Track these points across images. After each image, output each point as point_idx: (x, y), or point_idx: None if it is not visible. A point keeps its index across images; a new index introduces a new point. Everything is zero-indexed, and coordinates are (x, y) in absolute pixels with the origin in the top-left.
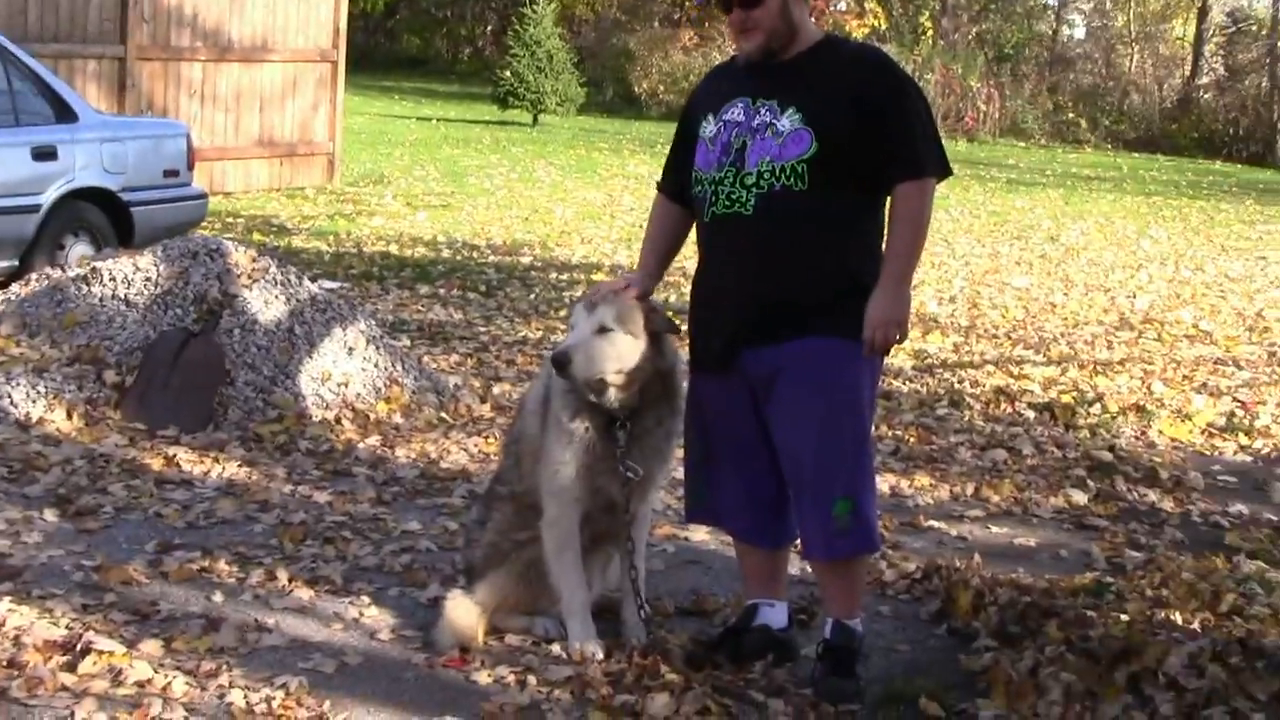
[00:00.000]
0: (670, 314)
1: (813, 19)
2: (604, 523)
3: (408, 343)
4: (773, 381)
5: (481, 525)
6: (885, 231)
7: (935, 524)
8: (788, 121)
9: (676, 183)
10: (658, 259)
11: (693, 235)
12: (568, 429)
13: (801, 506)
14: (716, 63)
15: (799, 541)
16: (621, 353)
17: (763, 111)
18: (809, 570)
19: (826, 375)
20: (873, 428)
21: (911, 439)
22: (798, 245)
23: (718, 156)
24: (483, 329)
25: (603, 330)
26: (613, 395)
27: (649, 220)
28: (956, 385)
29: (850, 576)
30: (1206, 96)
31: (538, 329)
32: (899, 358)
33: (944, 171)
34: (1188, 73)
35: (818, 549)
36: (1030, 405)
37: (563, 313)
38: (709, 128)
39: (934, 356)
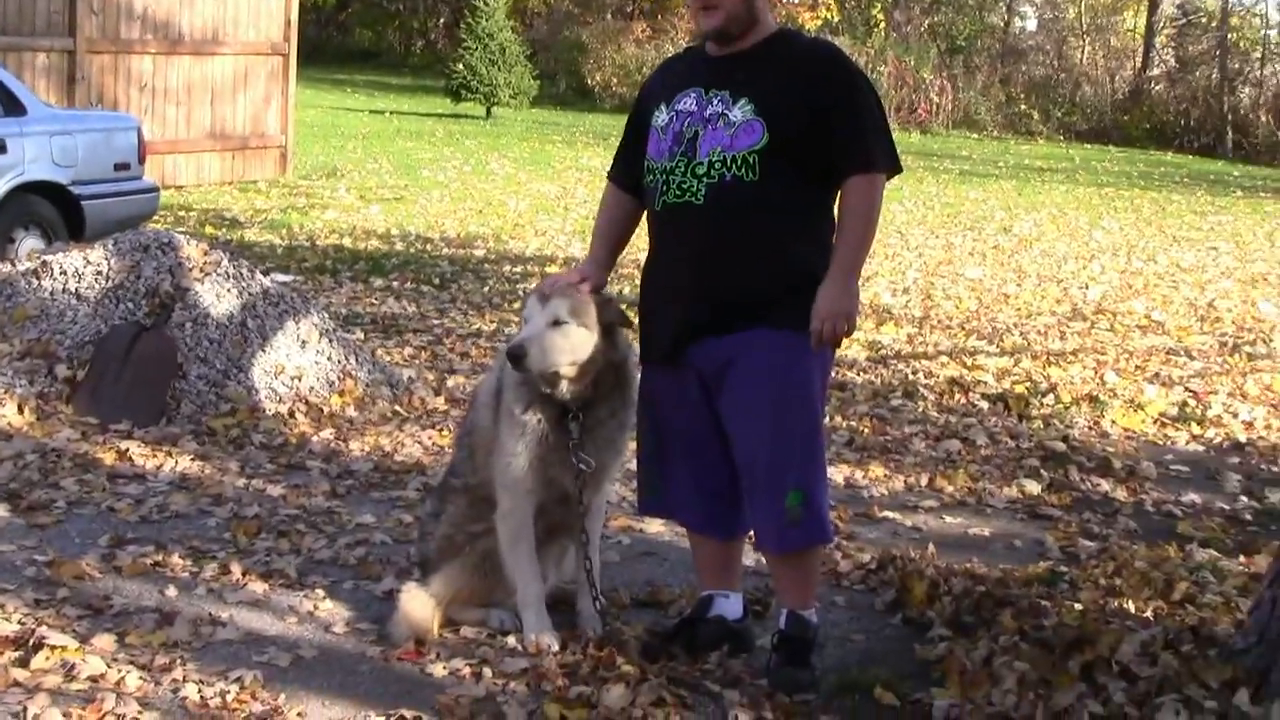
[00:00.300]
0: (623, 306)
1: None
2: (558, 514)
3: (361, 336)
4: (723, 373)
5: (436, 518)
6: (836, 225)
7: (890, 514)
8: (739, 112)
9: (627, 172)
10: (608, 249)
11: (644, 226)
12: (520, 421)
13: (754, 498)
14: (669, 55)
15: (752, 533)
16: (575, 345)
17: (715, 102)
18: (763, 561)
19: (777, 366)
20: (825, 419)
21: (866, 430)
22: (748, 236)
23: (669, 146)
24: (436, 322)
25: (557, 323)
26: (566, 387)
27: (599, 210)
28: (910, 376)
29: (804, 567)
30: (1158, 88)
31: (491, 321)
32: (853, 349)
33: (894, 167)
34: (1139, 64)
35: (770, 540)
36: (984, 396)
37: (516, 305)
38: (661, 117)
39: (888, 348)
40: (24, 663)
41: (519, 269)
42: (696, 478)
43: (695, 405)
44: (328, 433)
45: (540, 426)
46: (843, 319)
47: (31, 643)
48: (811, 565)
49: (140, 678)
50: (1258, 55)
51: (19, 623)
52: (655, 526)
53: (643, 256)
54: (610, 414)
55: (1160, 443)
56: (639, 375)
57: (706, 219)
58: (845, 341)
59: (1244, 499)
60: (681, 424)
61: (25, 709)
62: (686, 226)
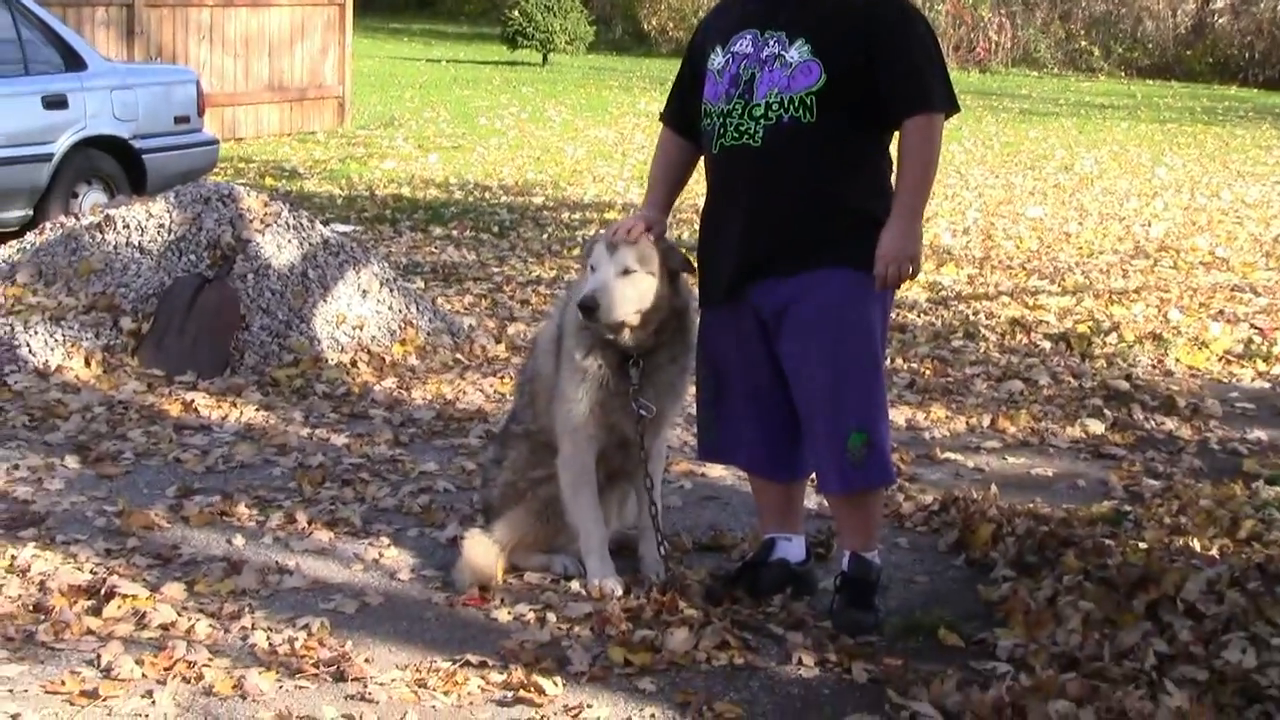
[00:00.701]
0: (684, 251)
1: None
2: (619, 460)
3: (421, 285)
4: (783, 315)
5: (498, 464)
6: (895, 166)
7: (952, 456)
8: (796, 53)
9: (682, 115)
10: (666, 193)
11: (701, 170)
12: (581, 366)
13: (816, 440)
14: None
15: (814, 475)
16: (643, 294)
17: (771, 43)
18: (825, 504)
19: (837, 307)
20: (886, 360)
21: (927, 371)
22: (806, 177)
23: (726, 88)
24: (496, 270)
25: (626, 272)
26: (629, 335)
27: (655, 155)
28: (971, 317)
29: (866, 509)
30: (1221, 21)
31: (551, 268)
32: (912, 290)
33: (952, 107)
34: None
35: (833, 482)
36: (1046, 336)
37: (575, 252)
38: (717, 60)
39: (948, 289)
40: (96, 611)
41: (577, 215)
42: (757, 421)
43: (755, 348)
44: (390, 382)
45: (601, 372)
46: (906, 261)
47: (104, 591)
48: (874, 507)
49: (210, 625)
50: None
51: (91, 572)
52: (717, 471)
53: (701, 201)
54: (670, 359)
55: (1225, 380)
56: (699, 320)
57: (764, 161)
58: (905, 283)
59: None
60: (741, 367)
61: (99, 657)
62: (744, 169)
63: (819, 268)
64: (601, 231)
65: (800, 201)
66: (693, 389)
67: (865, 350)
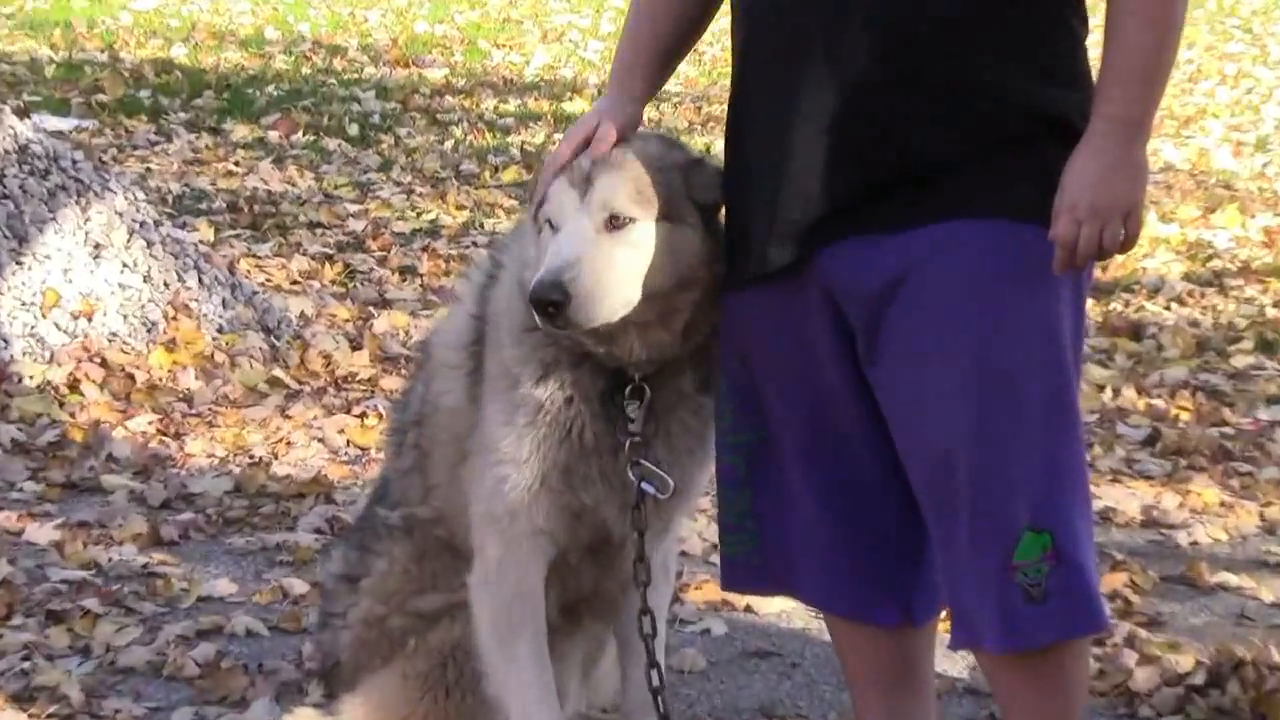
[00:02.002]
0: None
1: None
2: (590, 579)
3: (209, 236)
4: (883, 303)
5: (352, 585)
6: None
7: (1231, 579)
8: None
9: None
10: (651, 68)
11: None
12: (526, 399)
13: (951, 549)
14: None
15: (948, 615)
16: (656, 262)
17: None
18: (978, 668)
19: (988, 292)
20: (1080, 389)
21: (1181, 414)
22: (934, 34)
23: None
24: (354, 208)
25: (616, 223)
26: (635, 342)
27: (630, 4)
28: (1271, 310)
29: (1056, 681)
30: None
31: (460, 207)
32: (1154, 256)
33: None
34: None
35: (989, 631)
36: None
37: (509, 178)
38: None
39: (1224, 254)
40: None
41: (512, 106)
42: (831, 512)
43: (826, 367)
44: (144, 420)
45: (568, 411)
46: (1115, 214)
47: None
48: (1070, 676)
49: None
50: None
51: None
52: (774, 604)
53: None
54: (700, 384)
55: None
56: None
57: (857, 12)
58: (1115, 253)
59: None
60: (799, 403)
61: None
62: (817, 26)
63: (955, 215)
64: (555, 150)
65: (923, 88)
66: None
67: (1042, 375)
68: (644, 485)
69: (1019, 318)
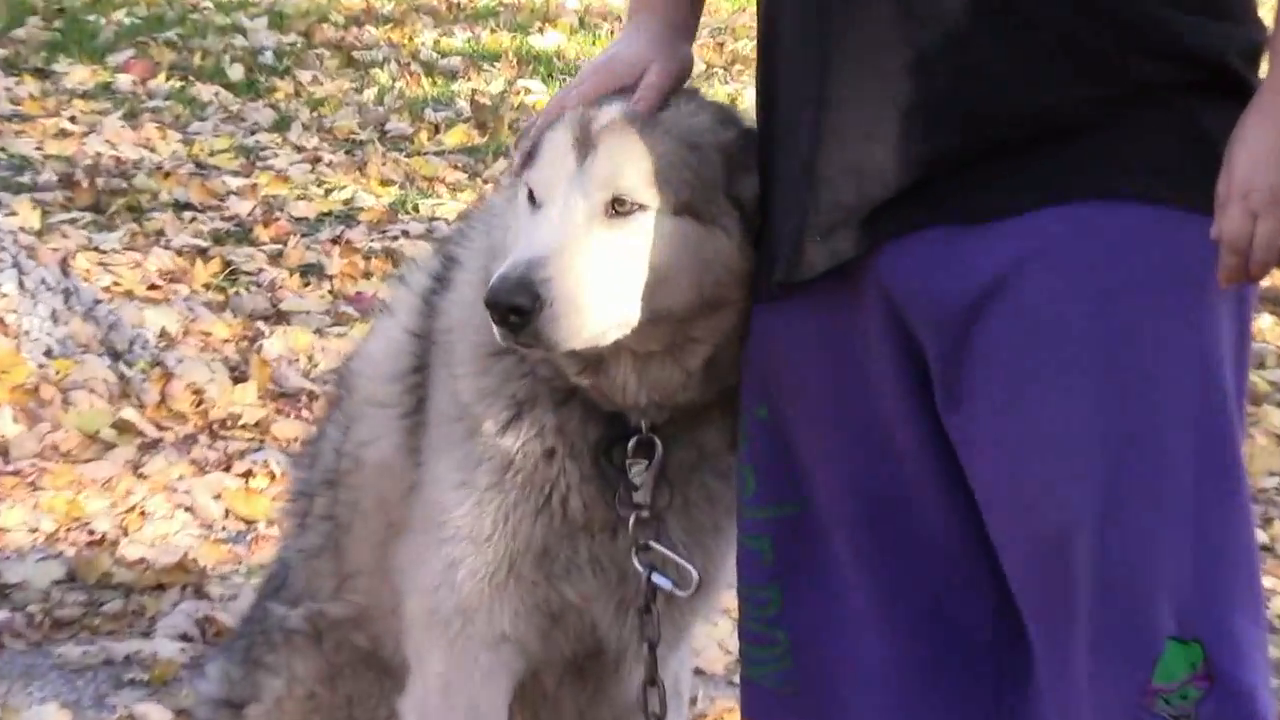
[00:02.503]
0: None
1: None
2: (572, 708)
3: (32, 221)
4: (969, 322)
5: (235, 712)
6: None
7: None
8: None
9: None
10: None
11: None
12: (491, 450)
13: (1066, 668)
14: None
15: None
16: (676, 270)
17: None
18: None
19: (1119, 306)
20: (1244, 440)
21: None
22: None
23: None
24: (236, 183)
25: (620, 208)
26: (629, 376)
27: None
28: None
29: None
30: None
31: (385, 184)
32: None
33: None
34: None
35: None
36: None
37: (455, 142)
38: None
39: None
40: None
41: (459, 40)
42: (894, 617)
43: (887, 410)
44: None
45: (548, 467)
46: None
47: None
48: None
49: None
50: None
51: None
52: None
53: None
54: (729, 440)
55: None
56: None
57: None
58: None
59: None
60: (850, 461)
61: None
62: None
63: (1065, 199)
64: (564, 88)
65: (1029, 17)
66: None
67: (1194, 423)
68: (655, 578)
69: (1162, 344)
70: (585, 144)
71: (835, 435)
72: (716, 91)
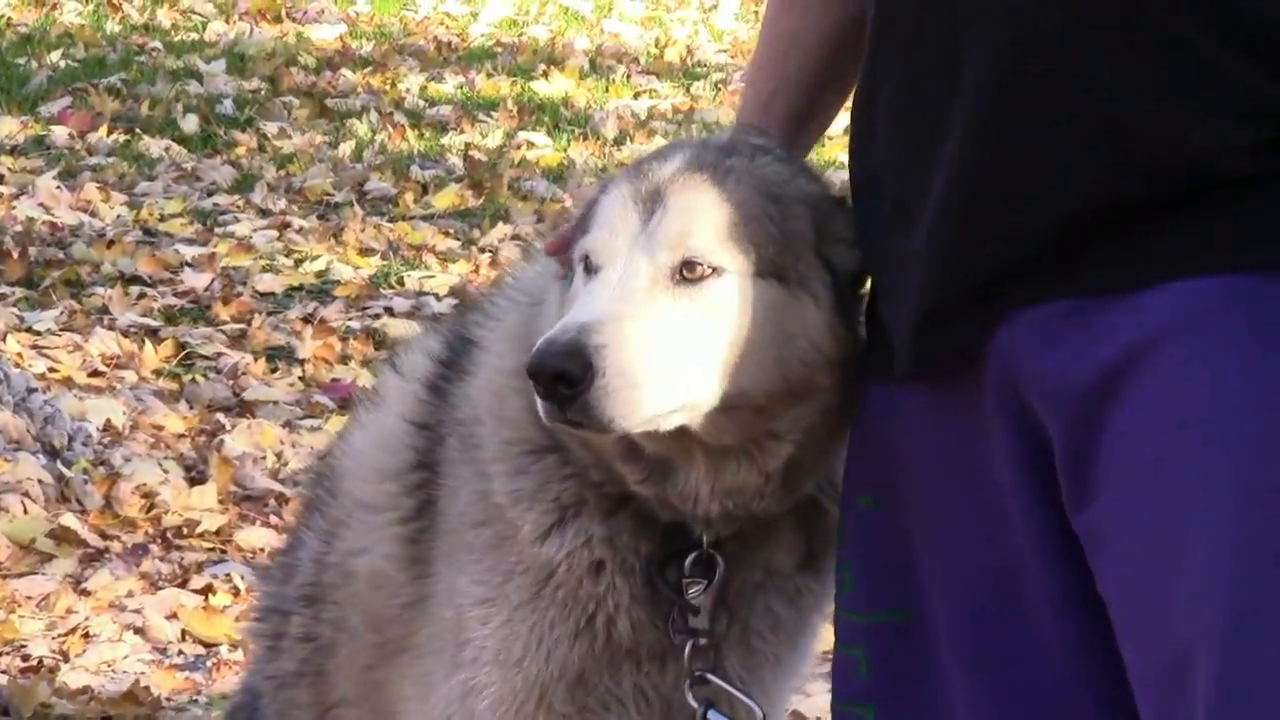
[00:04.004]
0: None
1: None
2: None
3: None
4: (1098, 405)
5: None
6: None
7: None
8: None
9: None
10: (795, 87)
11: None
12: (528, 559)
13: None
14: None
15: None
16: (756, 344)
17: None
18: None
19: (1268, 397)
20: None
21: None
22: None
23: None
24: (192, 252)
25: (691, 272)
26: (700, 475)
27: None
28: None
29: None
30: None
31: (365, 253)
32: None
33: None
34: None
35: None
36: None
37: (446, 204)
38: None
39: None
40: None
41: (451, 86)
42: None
43: (1007, 507)
44: None
45: (594, 583)
46: None
47: None
48: None
49: None
50: None
51: None
52: None
53: None
54: (801, 558)
55: None
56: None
57: None
58: None
59: None
60: (967, 565)
61: None
62: None
63: (1213, 269)
64: (634, 165)
65: (1176, 45)
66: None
67: None
68: (712, 715)
69: None
70: (650, 200)
71: (948, 530)
72: None
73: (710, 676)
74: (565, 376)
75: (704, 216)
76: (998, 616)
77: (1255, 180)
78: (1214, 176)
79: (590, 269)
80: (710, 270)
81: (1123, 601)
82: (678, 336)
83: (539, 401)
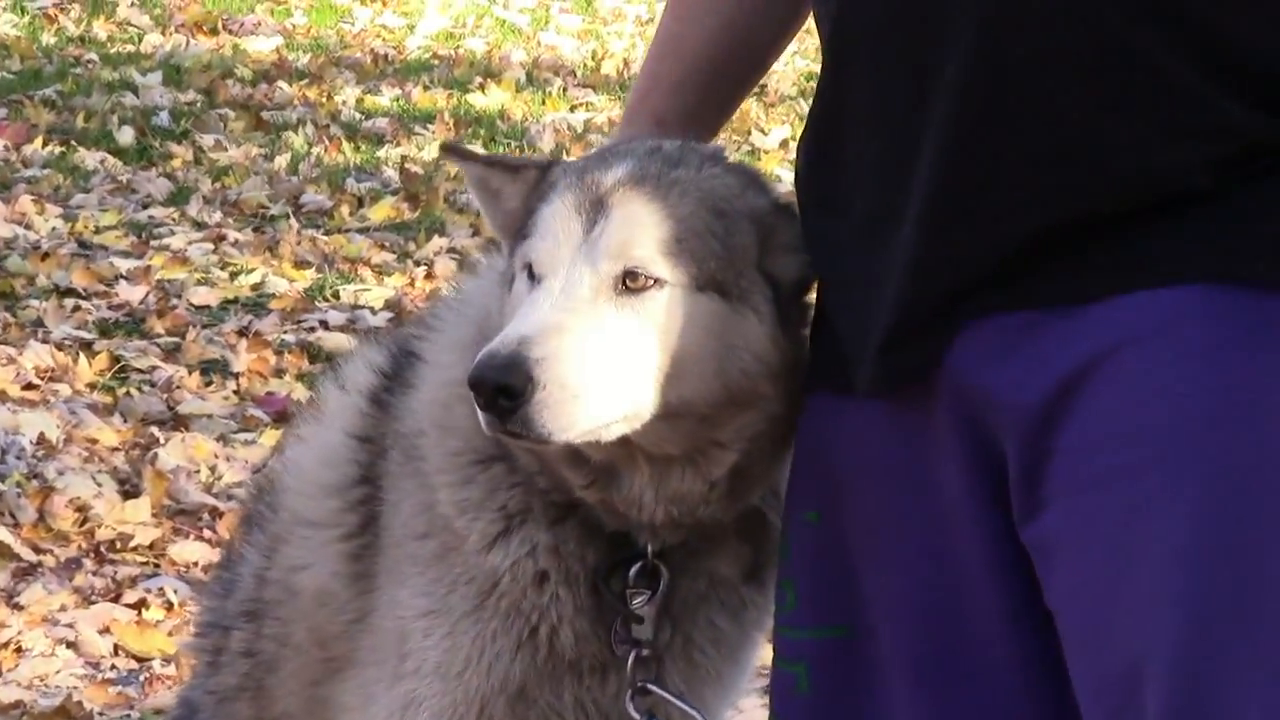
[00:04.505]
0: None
1: None
2: None
3: None
4: (1050, 417)
5: None
6: None
7: None
8: None
9: None
10: (708, 74)
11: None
12: (474, 570)
13: None
14: None
15: None
16: (696, 356)
17: None
18: None
19: (1226, 403)
20: None
21: None
22: None
23: None
24: (126, 265)
25: (633, 283)
26: (644, 484)
27: None
28: None
29: None
30: None
31: (301, 266)
32: None
33: None
34: None
35: None
36: None
37: (381, 217)
38: None
39: None
40: None
41: (387, 99)
42: None
43: (957, 522)
44: None
45: (538, 594)
46: None
47: None
48: None
49: None
50: None
51: None
52: None
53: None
54: (744, 569)
55: None
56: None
57: None
58: None
59: None
60: (912, 580)
61: None
62: None
63: (1169, 280)
64: (578, 169)
65: (1133, 58)
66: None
67: None
68: None
69: (1273, 450)
70: (594, 209)
71: (895, 544)
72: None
73: (652, 687)
74: (506, 390)
75: (647, 228)
76: (945, 632)
77: (1211, 195)
78: (1177, 193)
79: (533, 276)
80: (652, 281)
81: (1071, 614)
82: (619, 348)
83: (480, 413)
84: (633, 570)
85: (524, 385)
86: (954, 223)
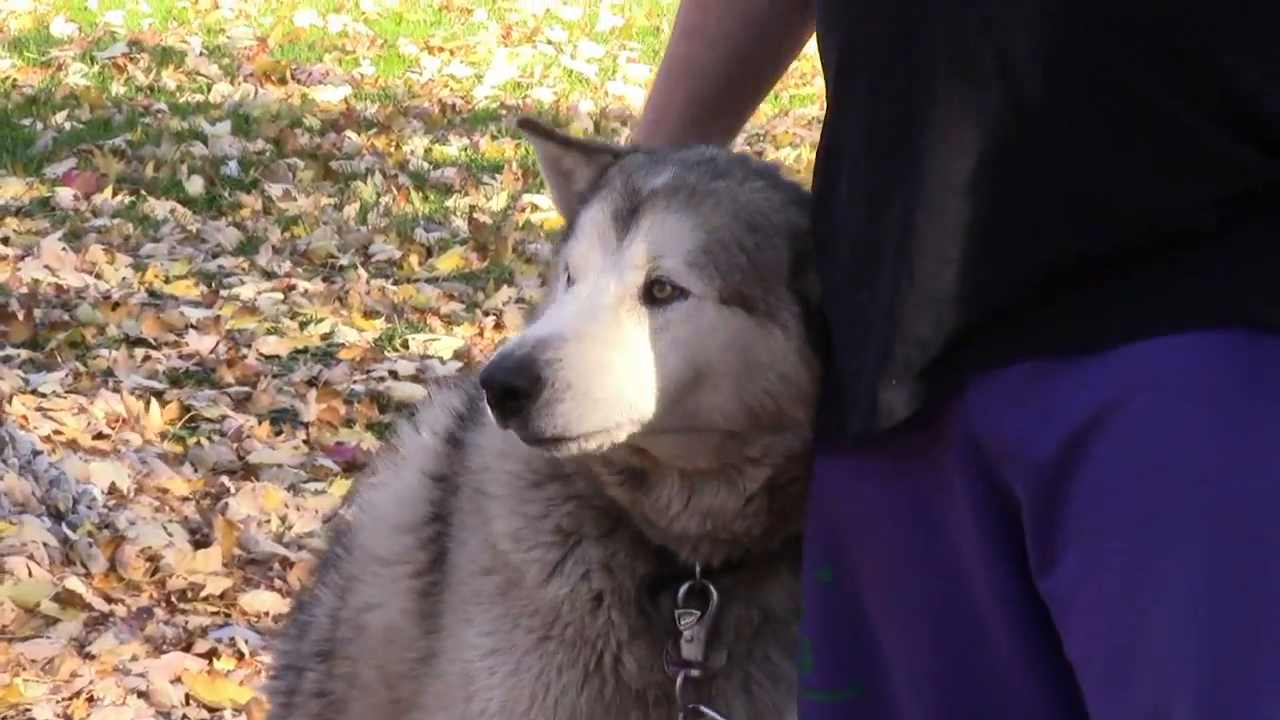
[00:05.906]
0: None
1: None
2: None
3: None
4: (1063, 466)
5: None
6: None
7: None
8: None
9: None
10: (716, 89)
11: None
12: (535, 602)
13: None
14: None
15: None
16: (718, 371)
17: None
18: None
19: (1247, 451)
20: None
21: None
22: (1162, 24)
23: None
24: (196, 315)
25: (659, 294)
26: (674, 492)
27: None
28: None
29: None
30: None
31: (370, 316)
32: None
33: None
34: None
35: None
36: None
37: (450, 267)
38: None
39: None
40: None
41: (455, 149)
42: None
43: (972, 577)
44: None
45: (594, 619)
46: None
47: None
48: None
49: None
50: None
51: None
52: None
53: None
54: (797, 606)
55: None
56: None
57: None
58: None
59: None
60: (930, 638)
61: None
62: (964, 18)
63: (1182, 327)
64: (624, 173)
65: (1128, 108)
66: None
67: None
68: None
69: None
70: (628, 216)
71: (909, 603)
72: None
73: (705, 710)
74: (512, 390)
75: (675, 239)
76: (965, 686)
77: (1213, 235)
78: (1178, 233)
79: (570, 279)
80: (677, 292)
81: (1091, 661)
82: (635, 356)
83: (489, 410)
84: (681, 591)
85: (530, 386)
86: (942, 266)
